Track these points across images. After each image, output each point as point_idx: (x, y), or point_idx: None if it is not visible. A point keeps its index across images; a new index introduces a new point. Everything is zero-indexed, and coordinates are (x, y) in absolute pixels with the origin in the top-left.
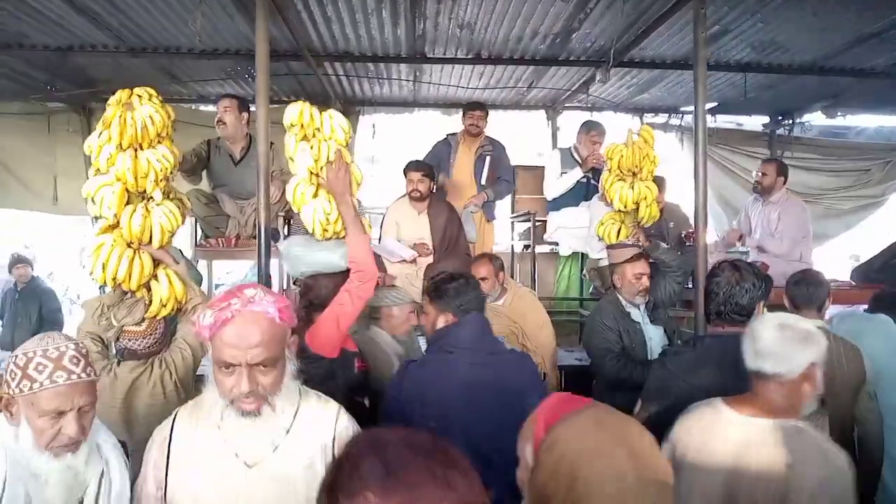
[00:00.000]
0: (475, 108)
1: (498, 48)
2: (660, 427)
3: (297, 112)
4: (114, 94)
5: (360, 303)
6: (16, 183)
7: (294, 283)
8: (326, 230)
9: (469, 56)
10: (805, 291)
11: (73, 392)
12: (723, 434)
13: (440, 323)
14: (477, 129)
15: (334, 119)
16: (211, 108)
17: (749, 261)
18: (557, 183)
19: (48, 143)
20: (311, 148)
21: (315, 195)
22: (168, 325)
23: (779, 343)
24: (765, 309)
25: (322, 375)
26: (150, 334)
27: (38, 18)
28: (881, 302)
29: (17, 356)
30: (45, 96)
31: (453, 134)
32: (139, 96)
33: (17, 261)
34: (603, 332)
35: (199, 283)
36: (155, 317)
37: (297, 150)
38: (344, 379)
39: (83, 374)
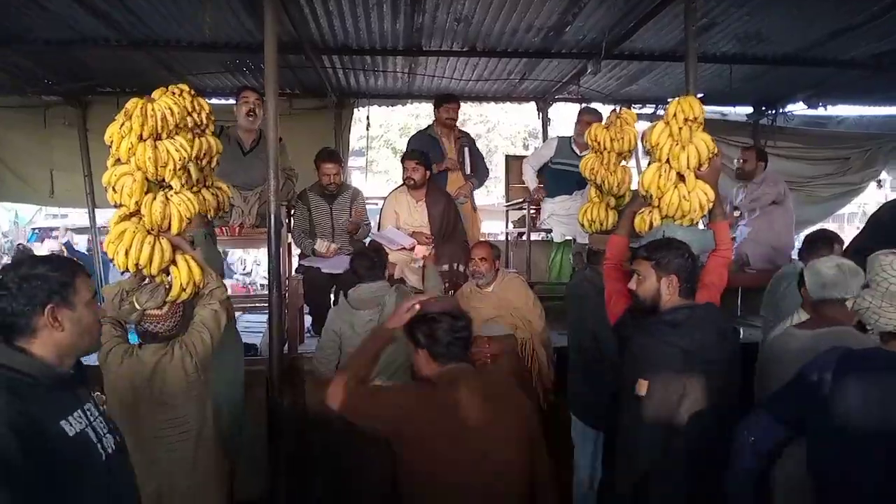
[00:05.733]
0: (451, 101)
1: (493, 41)
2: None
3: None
4: (110, 86)
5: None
6: (12, 176)
7: (295, 272)
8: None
9: (464, 49)
10: None
11: None
12: (793, 345)
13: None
14: (452, 122)
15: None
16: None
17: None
18: (529, 171)
19: (44, 137)
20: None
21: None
22: (187, 309)
23: (841, 276)
24: None
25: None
26: (171, 317)
27: (43, 14)
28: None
29: None
30: (42, 90)
31: (429, 127)
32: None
33: (22, 254)
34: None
35: (222, 263)
36: (175, 300)
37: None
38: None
39: None
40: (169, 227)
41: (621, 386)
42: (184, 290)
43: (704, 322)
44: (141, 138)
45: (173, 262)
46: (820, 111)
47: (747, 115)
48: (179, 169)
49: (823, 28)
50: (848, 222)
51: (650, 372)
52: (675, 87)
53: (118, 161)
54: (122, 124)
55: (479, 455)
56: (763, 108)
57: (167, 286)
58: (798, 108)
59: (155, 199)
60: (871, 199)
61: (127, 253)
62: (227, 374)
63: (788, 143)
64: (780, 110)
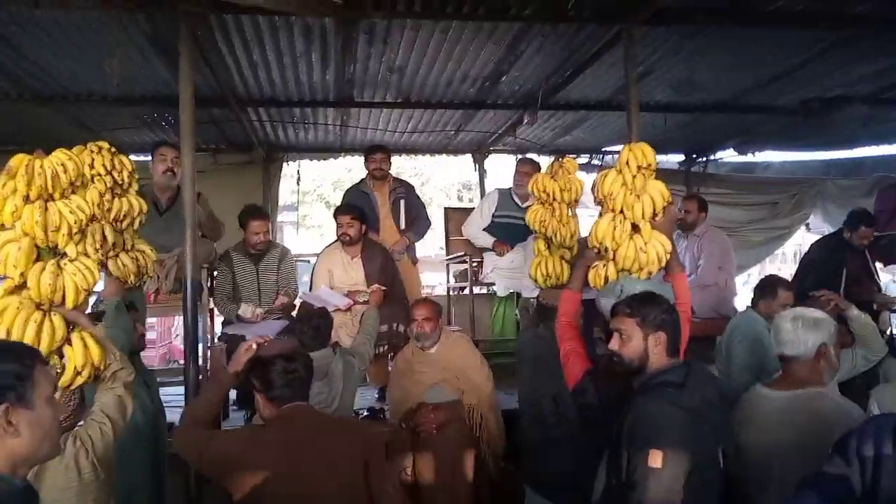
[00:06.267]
0: (376, 152)
1: (428, 92)
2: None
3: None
4: (16, 145)
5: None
6: None
7: (218, 340)
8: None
9: (398, 100)
10: None
11: None
12: (765, 407)
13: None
14: (382, 172)
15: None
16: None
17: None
18: (477, 231)
19: None
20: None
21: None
22: (83, 396)
23: (793, 331)
24: None
25: None
26: (64, 407)
27: None
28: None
29: None
30: None
31: (361, 182)
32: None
33: None
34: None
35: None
36: (69, 386)
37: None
38: None
39: None
40: (63, 301)
41: (612, 458)
42: (78, 373)
43: (703, 380)
44: (28, 199)
45: (68, 341)
46: (748, 157)
47: (679, 163)
48: (76, 233)
49: (755, 74)
50: (770, 262)
51: (663, 440)
52: (609, 136)
53: (2, 227)
54: (5, 184)
55: (310, 491)
56: (694, 156)
57: (59, 370)
58: (728, 155)
59: (44, 268)
60: (791, 241)
61: (9, 333)
62: (142, 461)
63: (719, 190)
64: (711, 157)
